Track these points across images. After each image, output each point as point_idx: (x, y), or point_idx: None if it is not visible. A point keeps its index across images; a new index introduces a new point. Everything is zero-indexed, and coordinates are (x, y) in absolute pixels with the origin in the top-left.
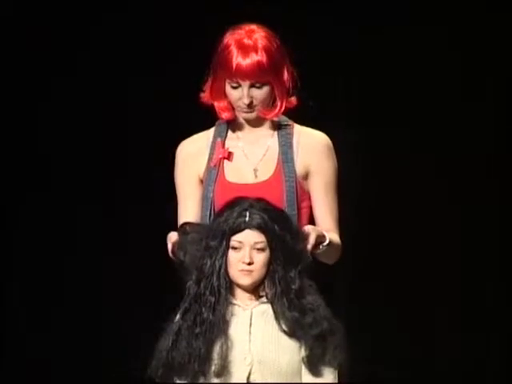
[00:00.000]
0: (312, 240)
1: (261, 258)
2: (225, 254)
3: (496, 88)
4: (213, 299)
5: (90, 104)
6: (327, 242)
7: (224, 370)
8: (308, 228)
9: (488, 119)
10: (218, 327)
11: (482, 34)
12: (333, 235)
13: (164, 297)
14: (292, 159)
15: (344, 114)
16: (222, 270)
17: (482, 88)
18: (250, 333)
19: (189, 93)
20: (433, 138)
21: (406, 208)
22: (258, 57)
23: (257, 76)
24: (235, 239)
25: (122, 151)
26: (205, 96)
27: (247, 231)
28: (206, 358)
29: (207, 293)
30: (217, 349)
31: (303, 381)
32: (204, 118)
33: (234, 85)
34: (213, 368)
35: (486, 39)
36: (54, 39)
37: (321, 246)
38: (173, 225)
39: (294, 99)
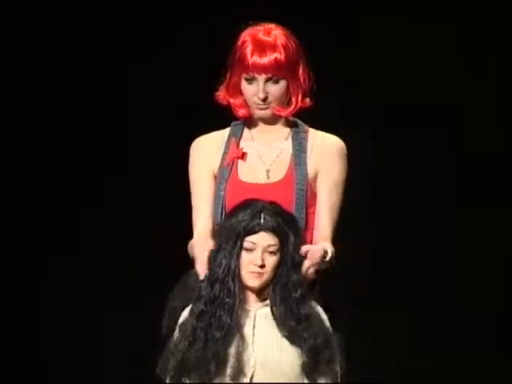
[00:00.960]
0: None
1: (272, 261)
2: (239, 256)
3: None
4: (231, 302)
5: (100, 104)
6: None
7: (240, 373)
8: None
9: (495, 117)
10: (234, 330)
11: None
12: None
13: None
14: (305, 163)
15: (348, 114)
16: (237, 272)
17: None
18: (253, 335)
19: (202, 93)
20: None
21: (412, 209)
22: (276, 53)
23: (273, 70)
24: (249, 240)
25: (126, 152)
26: (220, 94)
27: (262, 233)
28: (223, 361)
29: (223, 295)
30: (233, 351)
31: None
32: (217, 120)
33: (250, 78)
34: (229, 371)
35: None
36: (57, 32)
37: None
38: (175, 226)
39: (308, 100)
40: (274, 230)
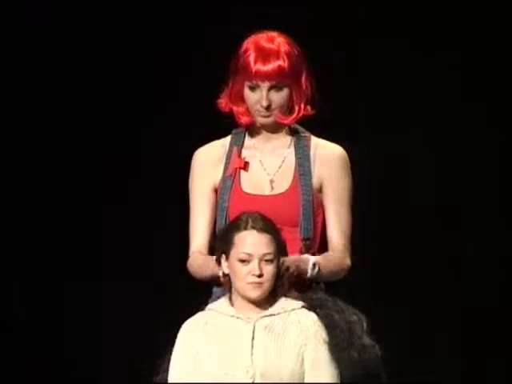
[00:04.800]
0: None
1: (270, 270)
2: None
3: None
4: None
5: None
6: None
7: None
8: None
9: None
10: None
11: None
12: (325, 257)
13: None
14: (309, 172)
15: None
16: None
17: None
18: (252, 346)
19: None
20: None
21: (413, 223)
22: (280, 61)
23: (276, 78)
24: (243, 251)
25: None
26: (222, 101)
27: (253, 233)
28: None
29: None
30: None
31: None
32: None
33: (253, 86)
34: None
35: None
36: (56, 40)
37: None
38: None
39: (310, 108)
40: (264, 230)
